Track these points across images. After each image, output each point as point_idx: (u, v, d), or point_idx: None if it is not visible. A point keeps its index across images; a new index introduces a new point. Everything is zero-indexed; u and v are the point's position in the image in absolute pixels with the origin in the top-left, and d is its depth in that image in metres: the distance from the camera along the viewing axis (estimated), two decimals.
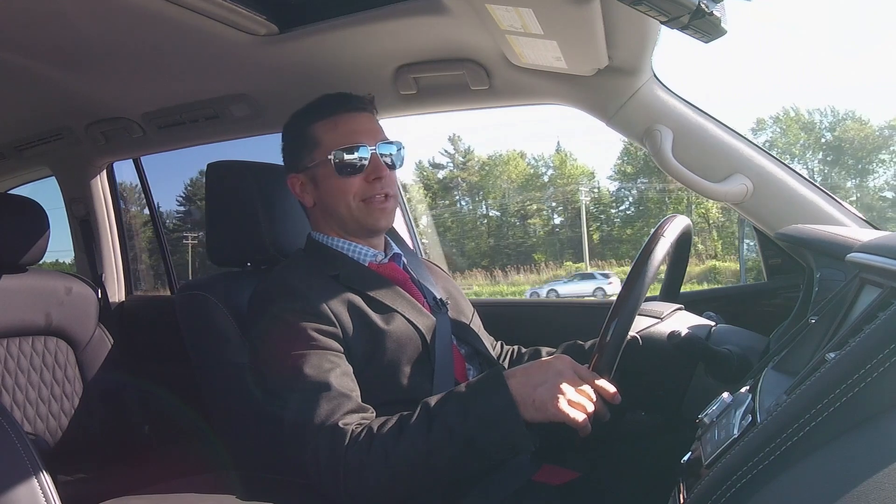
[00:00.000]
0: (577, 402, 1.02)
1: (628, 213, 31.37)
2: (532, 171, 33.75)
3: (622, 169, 31.45)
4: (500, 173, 33.17)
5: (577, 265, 28.72)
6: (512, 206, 32.41)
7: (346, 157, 1.27)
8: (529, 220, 32.09)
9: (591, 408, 1.03)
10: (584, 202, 29.64)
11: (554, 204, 31.67)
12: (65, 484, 1.69)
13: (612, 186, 31.92)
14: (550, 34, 1.21)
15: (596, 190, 32.00)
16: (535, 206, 31.97)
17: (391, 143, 1.33)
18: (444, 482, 1.08)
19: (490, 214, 33.39)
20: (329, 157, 1.27)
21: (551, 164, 33.05)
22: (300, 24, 1.45)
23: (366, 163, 1.28)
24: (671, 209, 26.51)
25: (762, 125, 29.57)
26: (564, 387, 1.02)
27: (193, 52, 1.55)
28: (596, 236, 30.53)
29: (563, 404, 1.01)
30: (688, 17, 0.92)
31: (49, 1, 1.31)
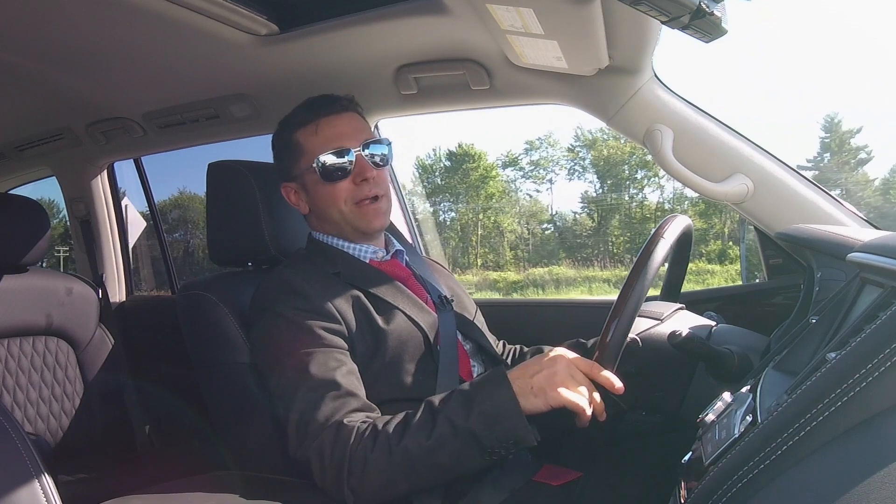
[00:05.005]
0: (575, 386, 1.02)
1: None
2: None
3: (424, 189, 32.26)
4: None
5: None
6: None
7: (330, 162, 1.25)
8: None
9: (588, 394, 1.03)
10: None
11: None
12: (66, 484, 1.69)
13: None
14: (551, 34, 1.21)
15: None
16: None
17: (378, 141, 1.30)
18: (447, 479, 1.08)
19: None
20: (313, 164, 1.26)
21: None
22: (301, 24, 1.45)
23: (351, 166, 1.26)
24: (457, 226, 26.57)
25: (533, 146, 30.05)
26: (562, 373, 1.03)
27: (194, 52, 1.55)
28: None
29: (561, 388, 1.01)
30: (688, 17, 0.92)
31: (49, 1, 1.31)
